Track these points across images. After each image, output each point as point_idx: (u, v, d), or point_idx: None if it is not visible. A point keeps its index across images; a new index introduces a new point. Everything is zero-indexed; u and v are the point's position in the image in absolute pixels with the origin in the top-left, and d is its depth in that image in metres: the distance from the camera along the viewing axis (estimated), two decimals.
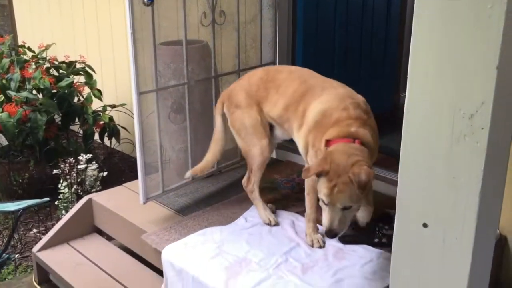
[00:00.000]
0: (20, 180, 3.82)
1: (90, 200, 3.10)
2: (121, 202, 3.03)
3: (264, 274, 2.28)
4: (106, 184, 3.84)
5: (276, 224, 2.67)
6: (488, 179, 0.99)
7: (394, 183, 3.07)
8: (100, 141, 4.17)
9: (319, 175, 2.14)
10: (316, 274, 2.28)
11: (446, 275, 1.06)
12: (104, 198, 3.10)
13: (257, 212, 2.79)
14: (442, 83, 1.00)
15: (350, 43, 3.98)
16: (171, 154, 3.14)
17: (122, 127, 4.30)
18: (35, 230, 3.62)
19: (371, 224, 2.61)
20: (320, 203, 2.21)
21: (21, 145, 3.78)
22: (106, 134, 4.15)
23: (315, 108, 2.36)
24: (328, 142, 2.21)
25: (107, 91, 4.56)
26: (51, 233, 3.00)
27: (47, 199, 2.34)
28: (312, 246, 2.47)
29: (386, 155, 3.56)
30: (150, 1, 2.54)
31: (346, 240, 2.51)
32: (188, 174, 2.86)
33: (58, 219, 3.39)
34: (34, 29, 5.56)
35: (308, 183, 2.45)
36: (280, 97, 2.54)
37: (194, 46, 2.99)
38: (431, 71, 1.01)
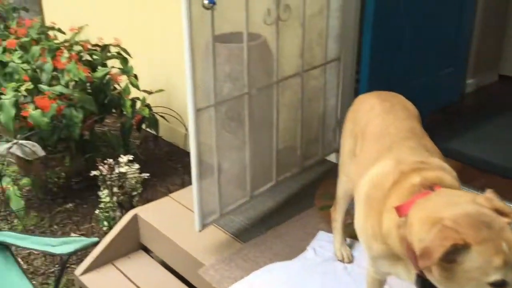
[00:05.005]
0: (56, 179, 3.56)
1: (135, 216, 2.81)
2: (169, 220, 2.74)
3: None
4: (146, 182, 3.57)
5: (350, 262, 2.35)
6: None
7: None
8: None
9: (453, 252, 1.28)
10: None
11: None
12: (150, 215, 2.80)
13: (326, 242, 2.47)
14: None
15: (419, 32, 3.49)
16: (227, 168, 2.79)
17: (161, 116, 3.99)
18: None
19: None
20: None
21: (55, 142, 3.48)
22: (143, 125, 3.85)
23: (366, 177, 1.73)
24: (401, 209, 1.48)
25: (141, 75, 4.18)
26: (95, 253, 2.73)
27: (96, 239, 2.04)
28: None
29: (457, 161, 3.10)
30: (211, 3, 2.14)
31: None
32: None
33: (100, 230, 3.13)
34: (62, 7, 5.13)
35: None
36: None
37: (252, 44, 2.58)
38: None
